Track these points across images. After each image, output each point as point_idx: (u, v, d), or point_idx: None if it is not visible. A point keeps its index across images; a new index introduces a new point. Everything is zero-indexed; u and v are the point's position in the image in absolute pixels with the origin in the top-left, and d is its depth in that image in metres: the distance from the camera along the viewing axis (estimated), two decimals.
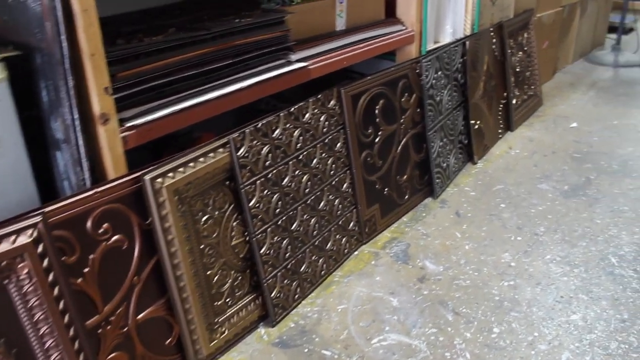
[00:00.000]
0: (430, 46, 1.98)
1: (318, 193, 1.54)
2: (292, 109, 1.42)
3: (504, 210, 1.89)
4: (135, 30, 1.26)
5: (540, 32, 2.84)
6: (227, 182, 1.31)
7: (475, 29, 2.18)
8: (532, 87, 2.73)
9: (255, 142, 1.33)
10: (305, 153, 1.47)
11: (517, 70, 2.55)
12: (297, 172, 1.46)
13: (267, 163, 1.37)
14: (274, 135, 1.38)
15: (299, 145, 1.45)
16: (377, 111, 1.70)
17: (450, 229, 1.79)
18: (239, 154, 1.29)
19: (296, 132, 1.44)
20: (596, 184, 2.04)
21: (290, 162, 1.43)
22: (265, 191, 1.37)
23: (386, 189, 1.78)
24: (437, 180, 1.96)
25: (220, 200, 1.30)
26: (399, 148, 1.81)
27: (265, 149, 1.36)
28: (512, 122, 2.49)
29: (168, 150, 1.58)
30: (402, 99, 1.79)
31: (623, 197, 1.95)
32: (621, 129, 2.50)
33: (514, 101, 2.51)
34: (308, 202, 1.50)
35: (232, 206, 1.33)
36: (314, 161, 1.51)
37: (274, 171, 1.39)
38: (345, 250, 1.66)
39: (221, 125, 1.61)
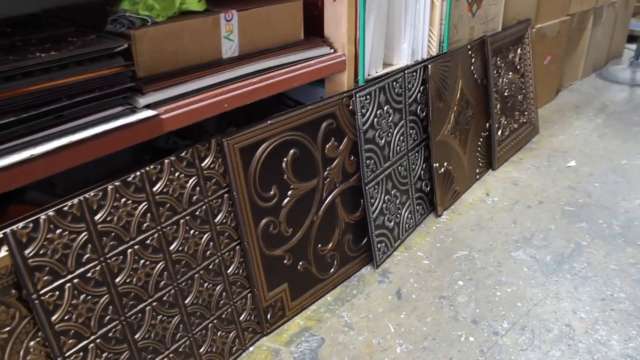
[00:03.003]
0: (378, 72, 1.53)
1: (183, 283, 1.13)
2: (131, 177, 1.00)
3: (461, 290, 1.45)
4: None
5: (541, 45, 2.36)
6: (13, 290, 0.90)
7: (444, 47, 1.73)
8: (526, 113, 2.26)
9: (59, 231, 0.92)
10: (156, 235, 1.06)
11: (506, 94, 2.09)
12: (142, 261, 1.04)
13: (86, 257, 0.96)
14: (96, 218, 0.96)
15: (145, 225, 1.04)
16: (284, 165, 1.27)
17: (383, 318, 1.37)
18: (27, 252, 0.88)
19: (140, 208, 1.03)
20: (588, 254, 1.58)
21: (130, 251, 1.02)
22: (82, 296, 0.96)
23: (301, 263, 1.36)
24: (379, 245, 1.52)
25: (3, 316, 0.90)
26: (322, 209, 1.38)
27: (80, 239, 0.95)
28: (494, 159, 2.04)
29: None
30: (327, 146, 1.36)
31: (620, 276, 1.49)
32: (630, 172, 2.02)
33: (498, 133, 2.06)
34: (164, 298, 1.09)
35: (27, 320, 0.92)
36: (175, 243, 1.10)
37: (98, 267, 0.98)
38: (234, 348, 1.25)
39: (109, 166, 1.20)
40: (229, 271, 1.22)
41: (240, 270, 1.25)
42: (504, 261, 1.56)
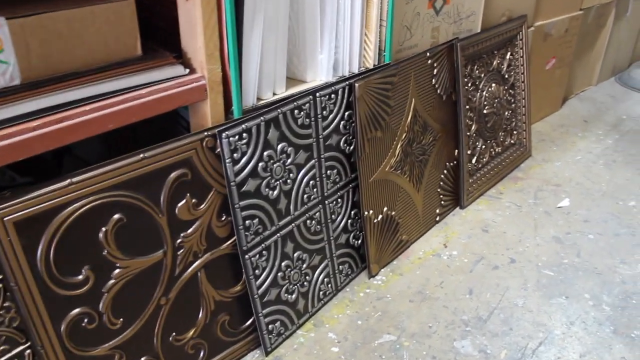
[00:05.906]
0: (278, 94, 1.13)
1: None
2: None
3: None
4: None
5: (543, 47, 1.90)
6: None
7: (387, 57, 1.30)
8: (514, 132, 1.82)
9: None
10: None
11: (485, 112, 1.65)
12: None
13: None
14: None
15: None
16: (103, 237, 0.89)
17: None
18: None
19: None
20: (559, 351, 1.17)
21: None
22: None
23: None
24: (271, 327, 1.14)
25: None
26: (174, 288, 1.01)
27: None
28: (462, 195, 1.61)
29: None
30: (179, 205, 0.98)
31: None
32: (638, 220, 1.58)
33: (472, 161, 1.63)
34: None
35: None
36: None
37: None
38: None
39: None
40: None
41: None
42: (441, 356, 1.16)
